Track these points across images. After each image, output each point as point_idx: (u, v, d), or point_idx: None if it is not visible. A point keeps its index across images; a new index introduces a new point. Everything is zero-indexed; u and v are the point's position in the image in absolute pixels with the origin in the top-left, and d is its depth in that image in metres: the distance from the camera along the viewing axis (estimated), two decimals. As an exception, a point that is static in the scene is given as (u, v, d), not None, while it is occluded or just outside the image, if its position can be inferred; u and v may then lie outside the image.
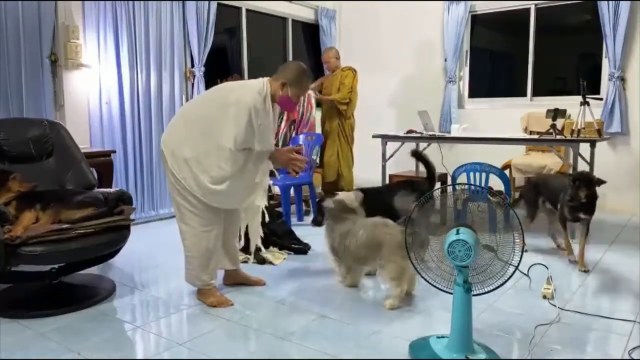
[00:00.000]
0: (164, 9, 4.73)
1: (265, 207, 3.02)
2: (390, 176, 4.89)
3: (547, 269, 3.09)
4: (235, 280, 3.06)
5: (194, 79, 5.07)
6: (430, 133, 4.85)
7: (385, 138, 4.92)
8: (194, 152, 2.59)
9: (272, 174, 3.08)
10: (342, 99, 5.11)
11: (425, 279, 2.13)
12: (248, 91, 2.60)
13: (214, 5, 5.09)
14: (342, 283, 3.05)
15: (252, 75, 5.84)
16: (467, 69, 6.14)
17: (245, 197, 2.78)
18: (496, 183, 3.85)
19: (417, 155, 3.77)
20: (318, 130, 5.51)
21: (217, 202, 2.66)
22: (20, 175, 2.76)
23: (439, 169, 4.82)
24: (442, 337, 2.17)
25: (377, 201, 3.07)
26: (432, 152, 5.15)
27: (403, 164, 5.26)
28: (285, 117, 5.12)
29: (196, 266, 2.74)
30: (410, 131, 4.99)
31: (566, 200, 3.32)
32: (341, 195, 3.04)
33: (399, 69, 6.47)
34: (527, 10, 5.63)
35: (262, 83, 2.67)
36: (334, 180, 5.16)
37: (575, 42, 5.75)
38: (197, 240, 2.70)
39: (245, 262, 3.51)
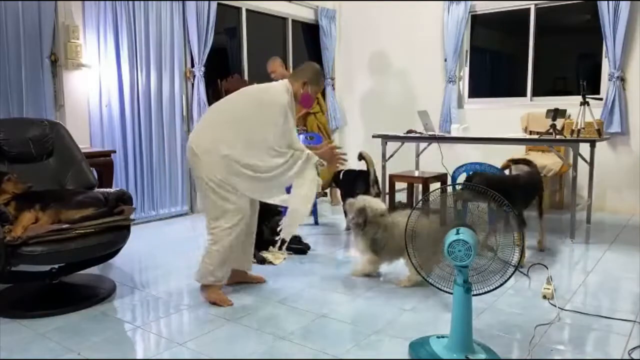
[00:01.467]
0: (164, 9, 4.74)
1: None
2: (390, 176, 4.89)
3: (547, 269, 3.09)
4: (235, 279, 3.07)
5: (194, 79, 5.07)
6: (430, 133, 4.85)
7: (385, 138, 4.92)
8: (232, 149, 2.69)
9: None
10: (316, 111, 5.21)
11: (425, 279, 2.13)
12: (278, 91, 2.83)
13: (214, 5, 5.09)
14: (358, 273, 3.22)
15: (251, 75, 5.84)
16: (467, 69, 6.14)
17: (282, 191, 2.85)
18: (496, 183, 3.85)
19: (360, 156, 4.22)
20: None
21: (254, 189, 2.74)
22: (15, 176, 2.75)
23: (439, 169, 4.84)
24: (442, 337, 2.17)
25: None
26: (432, 152, 5.16)
27: (403, 164, 5.26)
28: None
29: (217, 261, 2.77)
30: (410, 131, 4.99)
31: None
32: (367, 201, 3.17)
33: (399, 69, 6.47)
34: (527, 10, 5.63)
35: (286, 84, 2.89)
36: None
37: (575, 42, 5.75)
38: (224, 235, 2.74)
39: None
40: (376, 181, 4.13)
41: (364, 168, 4.24)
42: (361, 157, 4.16)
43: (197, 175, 2.79)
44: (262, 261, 3.51)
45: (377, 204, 3.17)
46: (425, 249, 2.54)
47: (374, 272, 3.20)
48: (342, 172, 4.35)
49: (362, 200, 3.18)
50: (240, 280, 3.08)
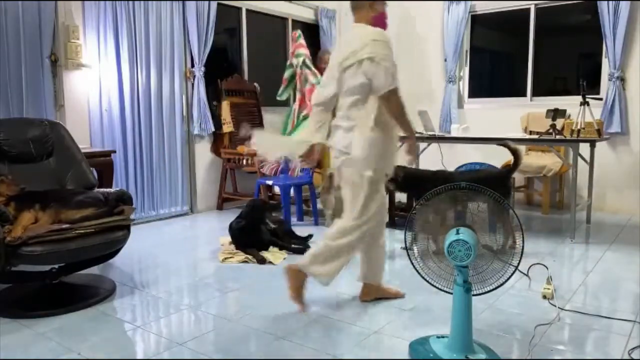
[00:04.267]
0: (164, 9, 4.73)
1: None
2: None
3: (547, 269, 3.09)
4: (373, 295, 2.81)
5: (194, 79, 5.07)
6: (430, 133, 4.84)
7: (385, 138, 4.92)
8: None
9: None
10: None
11: (425, 279, 2.13)
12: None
13: (214, 5, 5.09)
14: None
15: (251, 75, 5.84)
16: (467, 69, 6.14)
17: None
18: (496, 183, 3.85)
19: None
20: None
21: None
22: (10, 178, 2.74)
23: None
24: (442, 337, 2.17)
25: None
26: (432, 152, 5.16)
27: (402, 164, 5.24)
28: (298, 97, 5.19)
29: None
30: (410, 131, 4.99)
31: None
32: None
33: (399, 69, 6.44)
34: (527, 10, 5.63)
35: (359, 26, 2.63)
36: None
37: (575, 42, 5.75)
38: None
39: (246, 261, 3.52)
40: None
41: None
42: None
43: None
44: (262, 261, 3.50)
45: None
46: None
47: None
48: None
49: None
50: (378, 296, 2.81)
